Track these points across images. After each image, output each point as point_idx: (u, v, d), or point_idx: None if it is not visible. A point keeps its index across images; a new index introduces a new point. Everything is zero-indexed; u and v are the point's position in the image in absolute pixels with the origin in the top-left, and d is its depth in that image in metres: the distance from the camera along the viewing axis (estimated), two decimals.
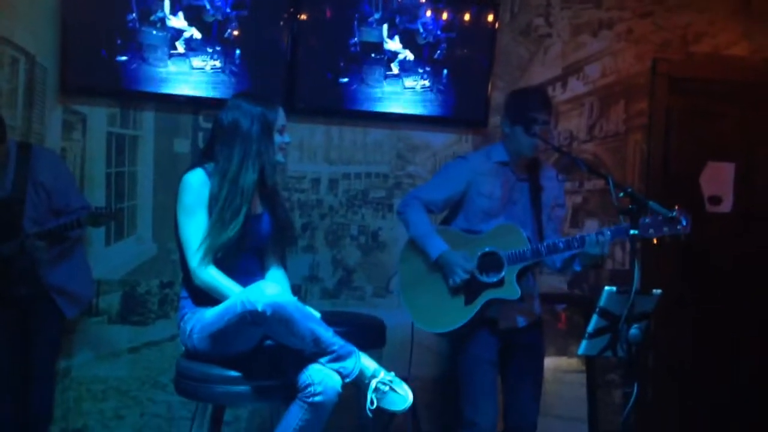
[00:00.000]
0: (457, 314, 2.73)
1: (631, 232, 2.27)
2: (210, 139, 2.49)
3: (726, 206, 4.02)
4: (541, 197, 2.81)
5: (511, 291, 2.67)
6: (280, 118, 2.45)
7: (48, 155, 3.06)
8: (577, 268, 2.73)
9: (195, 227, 2.35)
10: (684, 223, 2.38)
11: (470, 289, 2.71)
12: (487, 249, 2.71)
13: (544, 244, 2.66)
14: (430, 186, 2.91)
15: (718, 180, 4.00)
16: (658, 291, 2.30)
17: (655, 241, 2.46)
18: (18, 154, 2.92)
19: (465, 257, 2.70)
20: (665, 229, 2.39)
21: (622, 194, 2.28)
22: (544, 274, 3.57)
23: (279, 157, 2.46)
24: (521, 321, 2.81)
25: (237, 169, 2.35)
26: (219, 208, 2.33)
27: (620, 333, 2.19)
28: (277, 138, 2.44)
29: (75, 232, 2.94)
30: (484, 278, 2.69)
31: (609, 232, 2.53)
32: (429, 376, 3.60)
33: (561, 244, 2.63)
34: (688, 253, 3.90)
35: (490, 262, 2.70)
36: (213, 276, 2.34)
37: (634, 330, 2.17)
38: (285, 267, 2.57)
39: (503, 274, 2.67)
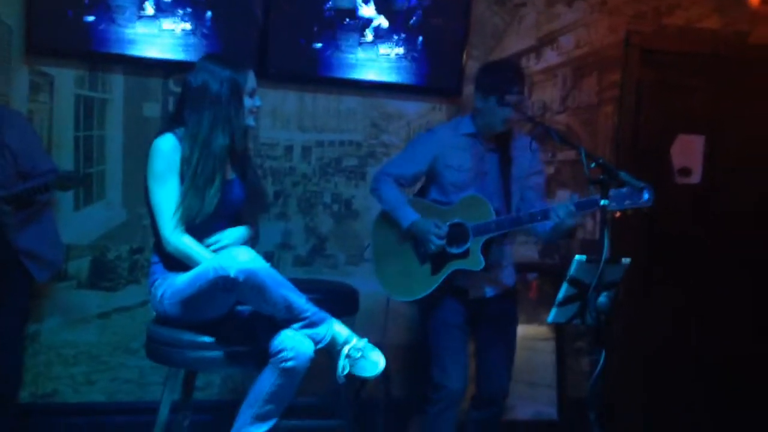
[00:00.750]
0: (424, 283, 2.77)
1: (602, 202, 2.29)
2: (179, 102, 2.44)
3: (695, 178, 4.08)
4: (511, 168, 2.82)
5: (475, 262, 2.71)
6: (251, 80, 2.41)
7: (14, 116, 2.99)
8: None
9: (167, 194, 2.32)
10: (646, 198, 2.38)
11: (437, 260, 2.75)
12: (455, 220, 2.74)
13: (508, 216, 2.70)
14: (398, 161, 2.95)
15: (688, 152, 4.06)
16: (627, 260, 2.33)
17: (617, 215, 2.43)
18: None
19: (436, 224, 2.72)
20: (627, 202, 2.38)
21: (593, 165, 2.30)
22: (516, 243, 3.60)
23: (250, 120, 2.43)
24: (489, 291, 2.85)
25: (207, 133, 2.32)
26: (191, 173, 2.30)
27: (589, 301, 2.23)
28: (248, 101, 2.40)
29: (43, 196, 2.88)
30: (451, 249, 2.72)
31: (573, 206, 2.54)
32: (402, 342, 3.63)
33: (525, 217, 2.65)
34: (656, 224, 3.97)
35: (458, 233, 2.73)
36: (186, 243, 2.32)
37: (602, 298, 2.21)
38: (257, 234, 2.56)
39: (468, 245, 2.70)
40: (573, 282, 2.29)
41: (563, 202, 2.62)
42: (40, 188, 2.80)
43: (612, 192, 2.36)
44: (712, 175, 4.07)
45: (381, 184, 2.85)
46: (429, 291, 2.76)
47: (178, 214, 2.30)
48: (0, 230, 2.85)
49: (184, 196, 2.30)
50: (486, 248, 2.72)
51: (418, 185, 3.01)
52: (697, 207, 4.06)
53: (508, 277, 2.91)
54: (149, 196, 2.36)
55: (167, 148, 2.33)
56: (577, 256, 2.28)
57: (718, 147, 4.06)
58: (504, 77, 2.73)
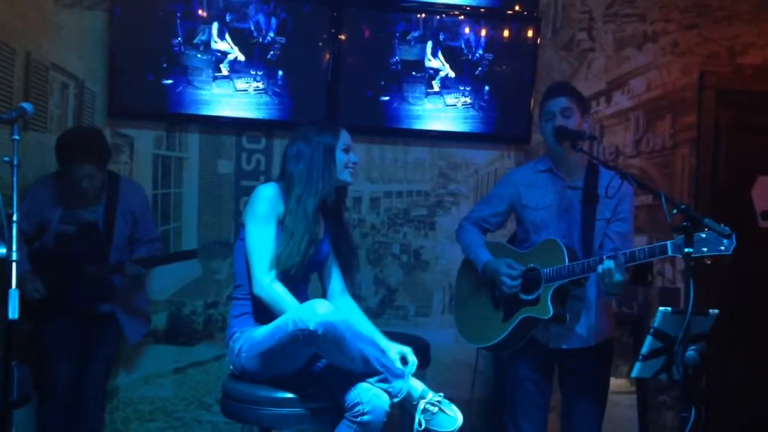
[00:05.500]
0: (495, 330, 2.69)
1: (686, 250, 2.17)
2: (282, 167, 2.55)
3: None
4: (596, 208, 2.65)
5: (543, 310, 2.57)
6: (343, 137, 2.51)
7: (135, 186, 3.16)
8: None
9: (266, 237, 2.38)
10: (726, 245, 2.20)
11: (509, 306, 2.67)
12: (530, 265, 2.64)
13: (580, 262, 2.53)
14: (478, 204, 2.98)
15: None
16: (715, 311, 2.21)
17: (708, 261, 2.27)
18: (109, 183, 3.01)
19: (509, 264, 2.64)
20: (704, 249, 2.21)
21: (675, 211, 2.20)
22: None
23: (345, 175, 2.51)
24: (569, 342, 2.68)
25: (301, 193, 2.41)
26: (288, 228, 2.38)
27: (676, 355, 2.12)
28: (343, 156, 2.49)
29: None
30: (522, 295, 2.64)
31: (621, 259, 2.39)
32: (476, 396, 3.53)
33: (582, 266, 2.50)
34: (742, 269, 3.78)
35: (532, 279, 2.63)
36: (276, 290, 2.36)
37: (690, 352, 2.09)
38: (353, 284, 2.67)
39: (539, 291, 2.59)
40: (658, 335, 2.18)
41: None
42: (182, 255, 3.05)
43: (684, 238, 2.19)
44: None
45: (460, 230, 2.86)
46: (500, 338, 2.66)
47: (274, 261, 2.35)
48: (110, 290, 2.98)
49: (280, 247, 2.37)
50: (561, 296, 2.58)
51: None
52: None
53: (595, 329, 2.68)
54: (247, 237, 2.41)
55: (271, 194, 2.42)
56: (661, 308, 2.18)
57: None
58: (546, 91, 2.73)
